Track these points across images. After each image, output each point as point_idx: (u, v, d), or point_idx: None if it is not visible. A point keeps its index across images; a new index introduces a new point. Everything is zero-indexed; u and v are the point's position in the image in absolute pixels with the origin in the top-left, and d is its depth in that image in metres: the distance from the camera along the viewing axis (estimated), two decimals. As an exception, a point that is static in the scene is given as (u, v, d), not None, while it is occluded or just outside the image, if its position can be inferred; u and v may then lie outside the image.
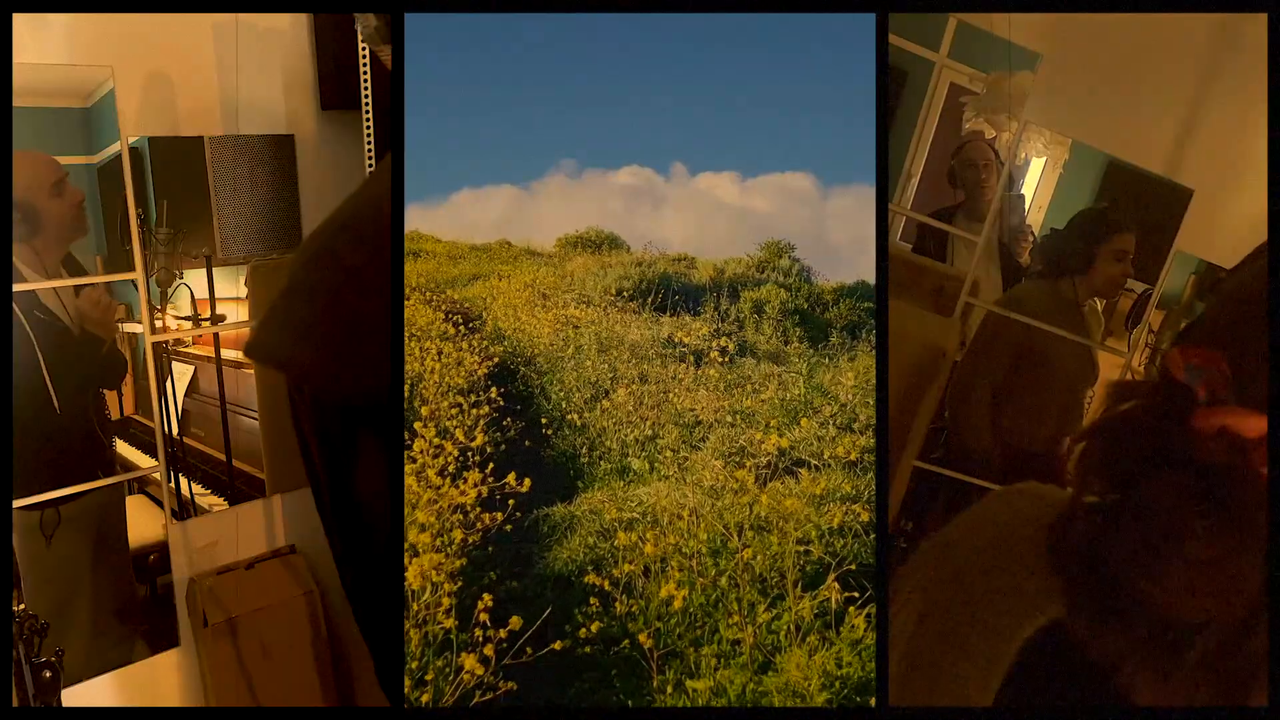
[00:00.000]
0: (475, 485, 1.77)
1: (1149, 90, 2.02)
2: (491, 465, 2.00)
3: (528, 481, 1.77)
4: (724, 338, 3.67)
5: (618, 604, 1.59)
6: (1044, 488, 0.80)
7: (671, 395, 2.94)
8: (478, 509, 1.80)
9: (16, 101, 1.77)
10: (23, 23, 1.80)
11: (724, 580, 1.61)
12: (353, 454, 0.70)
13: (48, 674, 1.52)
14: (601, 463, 2.61)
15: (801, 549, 1.65)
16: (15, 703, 1.52)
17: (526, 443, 2.79)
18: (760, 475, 2.04)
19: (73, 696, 1.99)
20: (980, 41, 2.05)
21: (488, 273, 6.00)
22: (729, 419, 2.70)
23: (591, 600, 1.59)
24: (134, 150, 1.99)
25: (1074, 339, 2.13)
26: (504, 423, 2.77)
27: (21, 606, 1.54)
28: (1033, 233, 2.21)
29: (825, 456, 2.21)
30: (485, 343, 3.69)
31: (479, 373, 3.15)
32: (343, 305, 0.67)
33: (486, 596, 1.37)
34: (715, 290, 4.89)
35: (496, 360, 3.46)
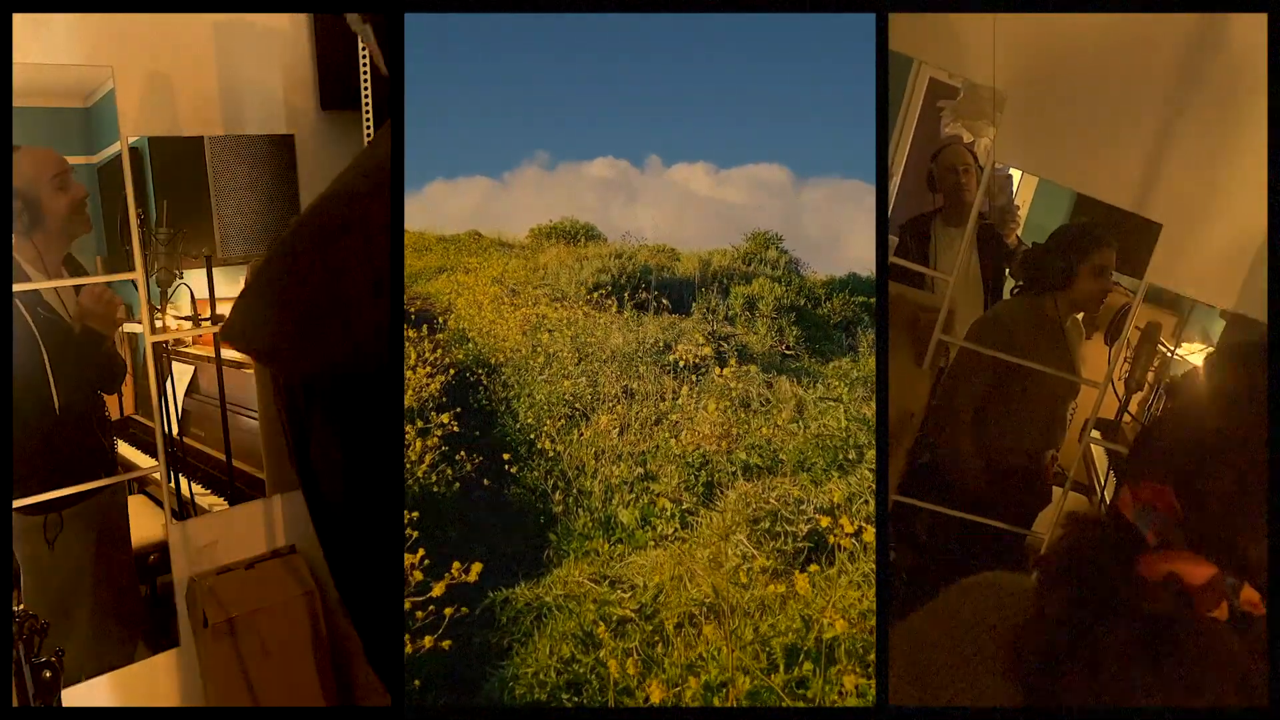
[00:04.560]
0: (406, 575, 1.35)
1: (1115, 126, 2.02)
2: (423, 552, 1.45)
3: (476, 569, 1.35)
4: (720, 342, 3.23)
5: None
6: (1003, 577, 0.82)
7: (666, 421, 2.37)
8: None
9: (16, 101, 1.77)
10: (23, 23, 1.79)
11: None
12: (310, 429, 0.74)
13: (48, 674, 1.52)
14: (579, 511, 2.07)
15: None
16: (15, 703, 1.52)
17: (485, 481, 2.29)
18: (800, 551, 1.53)
19: (73, 696, 1.99)
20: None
21: (454, 265, 5.69)
22: (743, 455, 2.13)
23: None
24: (134, 150, 1.99)
25: (1052, 372, 2.12)
26: (457, 456, 2.27)
27: (21, 607, 1.54)
28: (1020, 213, 2.18)
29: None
30: (440, 351, 3.19)
31: (430, 388, 2.69)
32: (299, 295, 0.71)
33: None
34: (702, 285, 4.59)
35: (454, 372, 3.00)
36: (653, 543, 1.85)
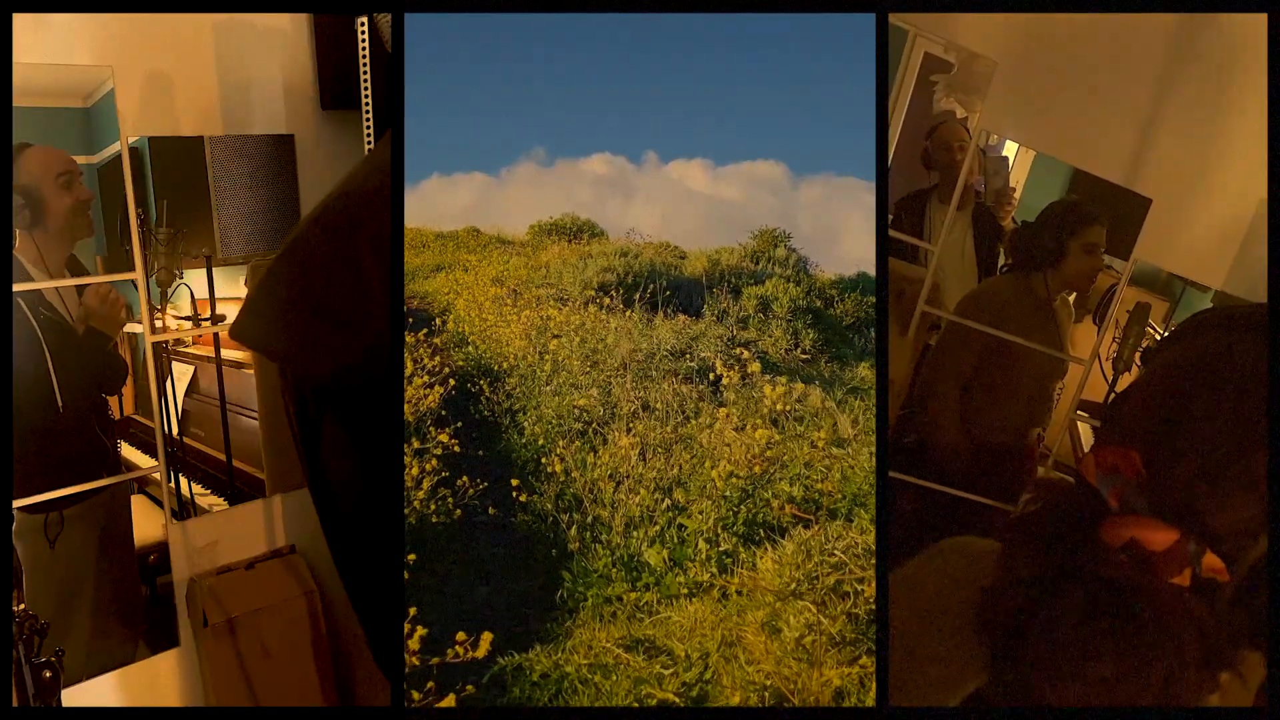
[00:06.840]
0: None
1: (1107, 100, 2.01)
2: (422, 630, 1.20)
3: (487, 639, 1.15)
4: (742, 348, 2.99)
5: None
6: (973, 542, 0.82)
7: (694, 443, 2.09)
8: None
9: (16, 101, 1.77)
10: (23, 23, 1.79)
11: None
12: (321, 432, 0.74)
13: (48, 674, 1.52)
14: (596, 546, 1.82)
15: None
16: (15, 703, 1.52)
17: (490, 509, 2.11)
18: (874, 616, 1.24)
19: (73, 696, 1.99)
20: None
21: (452, 263, 5.52)
22: (787, 487, 1.84)
23: None
24: (134, 150, 1.99)
25: (1040, 349, 2.12)
26: (459, 481, 2.06)
27: (22, 606, 1.54)
28: (1015, 195, 2.17)
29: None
30: (439, 358, 3.00)
31: (429, 400, 2.48)
32: (312, 293, 0.71)
33: None
34: (711, 285, 4.45)
35: (454, 383, 2.78)
36: (687, 591, 1.54)
